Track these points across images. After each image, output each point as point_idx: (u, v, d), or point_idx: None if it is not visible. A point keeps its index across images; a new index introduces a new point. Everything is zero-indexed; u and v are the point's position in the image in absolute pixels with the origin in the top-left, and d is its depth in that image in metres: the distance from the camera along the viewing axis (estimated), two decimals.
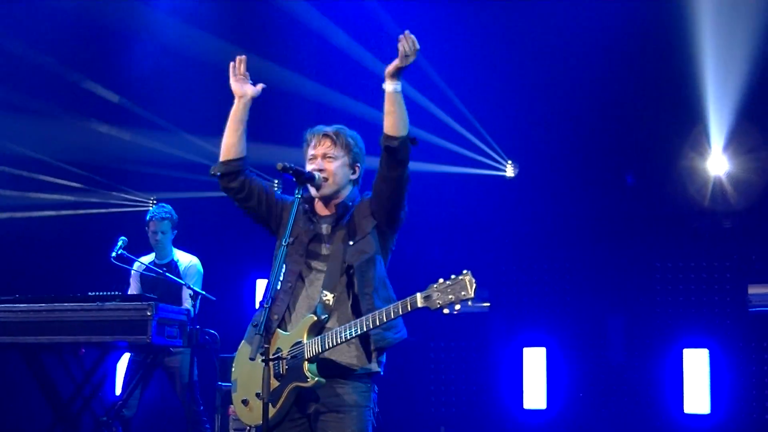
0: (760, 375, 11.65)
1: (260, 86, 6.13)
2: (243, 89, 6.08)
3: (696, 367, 11.75)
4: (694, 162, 12.01)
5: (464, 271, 5.44)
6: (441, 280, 5.45)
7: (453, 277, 5.43)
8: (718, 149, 11.85)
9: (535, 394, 12.40)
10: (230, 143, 6.07)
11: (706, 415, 11.69)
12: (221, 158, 6.10)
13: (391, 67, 5.78)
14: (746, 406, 11.63)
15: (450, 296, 5.39)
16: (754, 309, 11.67)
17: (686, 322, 11.95)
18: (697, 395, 11.73)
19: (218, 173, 6.09)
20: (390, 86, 5.80)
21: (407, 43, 5.78)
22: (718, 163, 11.89)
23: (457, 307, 5.41)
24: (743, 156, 11.86)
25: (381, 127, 6.06)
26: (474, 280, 5.40)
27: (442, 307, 5.41)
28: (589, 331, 12.32)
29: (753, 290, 11.69)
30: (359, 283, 5.89)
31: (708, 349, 11.76)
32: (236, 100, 6.10)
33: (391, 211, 5.95)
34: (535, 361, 12.42)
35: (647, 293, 12.23)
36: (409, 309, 5.50)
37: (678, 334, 11.89)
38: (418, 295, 5.46)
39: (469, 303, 5.44)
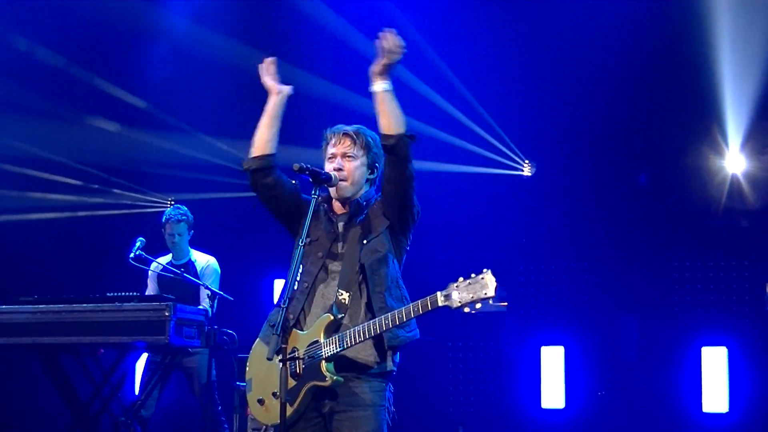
0: None
1: (290, 88, 6.12)
2: (278, 86, 6.08)
3: (714, 365, 11.74)
4: (711, 161, 12.04)
5: (484, 270, 5.44)
6: (461, 279, 5.45)
7: (473, 276, 5.44)
8: (736, 148, 11.86)
9: (553, 394, 12.43)
10: (265, 139, 6.05)
11: (724, 413, 11.67)
12: (254, 154, 6.07)
13: (377, 67, 5.80)
14: (765, 404, 11.59)
15: (470, 295, 5.40)
16: None
17: (704, 320, 11.95)
18: (715, 394, 11.72)
19: (252, 168, 6.06)
20: (379, 86, 5.82)
21: (390, 40, 5.77)
22: (735, 161, 11.91)
23: (478, 306, 5.42)
24: (764, 152, 11.84)
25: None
26: (494, 279, 5.41)
27: (462, 306, 5.43)
28: (607, 329, 12.36)
29: None
30: (371, 282, 5.88)
31: (726, 347, 11.75)
32: (272, 96, 6.10)
33: (401, 210, 5.95)
34: (553, 360, 12.46)
35: (665, 292, 12.22)
36: (430, 308, 5.51)
37: (696, 333, 11.90)
38: (439, 294, 5.47)
39: (490, 302, 5.45)
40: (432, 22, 12.57)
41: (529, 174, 12.69)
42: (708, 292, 12.07)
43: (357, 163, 6.02)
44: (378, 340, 5.80)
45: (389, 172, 5.86)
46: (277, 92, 6.08)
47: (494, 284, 5.42)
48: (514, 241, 12.75)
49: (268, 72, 6.13)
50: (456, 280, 5.48)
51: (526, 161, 12.66)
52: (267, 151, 6.04)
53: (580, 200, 12.54)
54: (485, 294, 5.40)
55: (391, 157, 5.80)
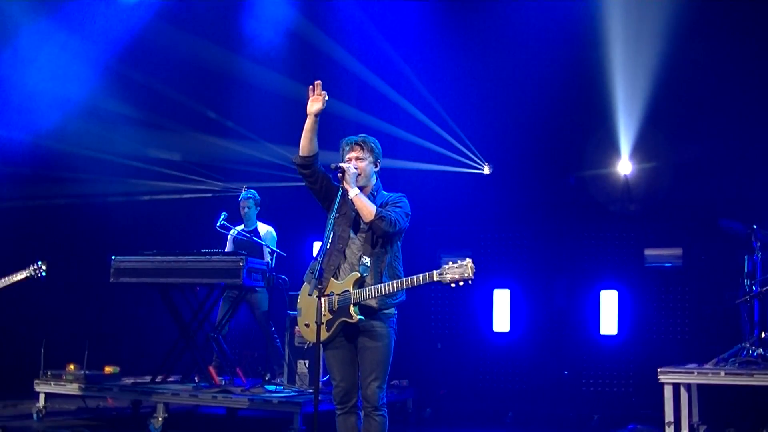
0: (651, 309, 11.70)
1: (322, 102, 6.14)
2: (312, 108, 6.14)
3: (609, 302, 11.88)
4: (609, 165, 12.08)
5: (467, 259, 5.75)
6: (450, 263, 5.76)
7: (459, 261, 5.74)
8: (626, 156, 11.85)
9: (501, 321, 12.45)
10: (304, 146, 6.23)
11: (614, 335, 11.81)
12: (300, 153, 6.25)
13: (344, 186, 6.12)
14: (641, 329, 11.68)
15: (456, 275, 5.73)
16: (648, 264, 11.77)
17: (603, 272, 12.02)
18: (608, 322, 11.84)
19: (296, 162, 6.31)
20: (350, 194, 6.14)
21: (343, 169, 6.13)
22: (625, 166, 11.91)
23: (461, 283, 5.73)
24: (644, 160, 11.89)
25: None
26: (474, 267, 5.73)
27: (450, 282, 5.76)
28: (539, 278, 12.34)
29: (648, 252, 11.78)
30: (388, 255, 6.19)
31: (617, 290, 11.90)
32: (308, 117, 6.19)
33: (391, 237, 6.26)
34: (502, 299, 12.47)
35: (578, 253, 12.16)
36: (427, 281, 5.83)
37: (597, 280, 11.99)
38: (434, 272, 5.80)
39: (470, 282, 5.74)
40: (406, 41, 12.55)
41: (488, 172, 12.48)
42: (606, 253, 12.14)
43: (366, 162, 6.31)
44: (389, 297, 6.09)
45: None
46: (310, 113, 6.16)
47: (473, 270, 5.70)
48: (477, 218, 12.66)
49: (314, 93, 6.16)
50: (447, 263, 5.76)
51: (486, 162, 12.51)
52: (305, 154, 6.24)
53: (525, 191, 12.43)
54: (466, 276, 5.71)
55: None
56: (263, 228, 11.26)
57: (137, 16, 12.51)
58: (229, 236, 11.18)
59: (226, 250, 11.04)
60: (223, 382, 10.30)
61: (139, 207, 13.43)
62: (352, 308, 6.05)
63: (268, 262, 10.54)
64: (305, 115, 6.24)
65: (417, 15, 12.58)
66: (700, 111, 11.44)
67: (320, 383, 6.21)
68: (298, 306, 6.41)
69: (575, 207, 12.38)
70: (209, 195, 13.62)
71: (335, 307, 6.12)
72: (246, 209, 11.21)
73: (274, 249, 10.85)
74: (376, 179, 6.46)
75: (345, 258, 6.24)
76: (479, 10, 12.35)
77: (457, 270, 5.75)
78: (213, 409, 10.84)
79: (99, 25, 12.40)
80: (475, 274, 5.77)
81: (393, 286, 6.00)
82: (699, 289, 11.51)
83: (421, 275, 5.91)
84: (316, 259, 6.07)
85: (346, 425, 6.25)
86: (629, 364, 11.78)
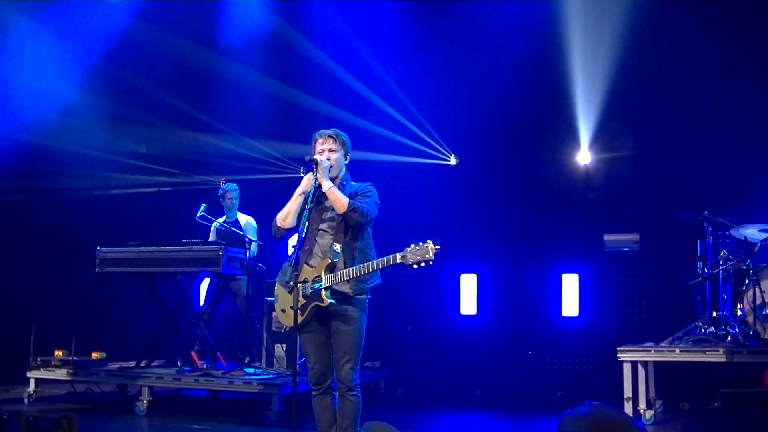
0: (611, 291, 11.89)
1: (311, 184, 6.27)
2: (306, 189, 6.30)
3: (570, 286, 12.04)
4: (570, 155, 12.21)
5: (428, 240, 5.80)
6: (412, 246, 5.80)
7: (420, 244, 5.78)
8: (586, 147, 12.00)
9: (468, 305, 12.58)
10: (290, 221, 6.36)
11: (575, 317, 11.98)
12: (285, 226, 6.40)
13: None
14: (601, 311, 11.86)
15: (418, 257, 5.78)
16: (607, 249, 11.92)
17: (565, 257, 12.18)
18: (570, 304, 12.00)
19: (278, 235, 6.43)
20: (323, 187, 6.20)
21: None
22: (585, 156, 12.07)
23: (423, 264, 5.79)
24: (602, 150, 12.06)
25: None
26: (434, 248, 5.77)
27: (412, 264, 5.80)
28: (504, 263, 12.44)
29: (607, 237, 11.93)
30: (359, 242, 6.26)
31: (578, 274, 12.04)
32: (297, 197, 6.34)
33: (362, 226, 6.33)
34: (469, 283, 12.60)
35: (542, 239, 12.38)
36: (391, 263, 5.89)
37: (559, 265, 12.15)
38: (397, 254, 5.85)
39: (431, 263, 5.79)
40: (376, 37, 12.45)
41: (455, 162, 12.58)
42: (568, 239, 12.28)
43: (338, 154, 6.36)
44: (362, 282, 6.17)
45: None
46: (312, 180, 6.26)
47: (434, 251, 5.76)
48: (445, 206, 12.79)
49: (308, 180, 6.31)
50: (409, 246, 5.80)
51: (452, 154, 12.60)
52: (290, 226, 6.40)
53: (490, 180, 12.53)
54: (427, 257, 5.76)
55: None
56: (243, 218, 11.29)
57: (120, 15, 12.42)
58: (212, 227, 11.18)
59: (208, 240, 10.99)
60: (205, 366, 10.32)
61: (123, 200, 13.41)
62: (323, 292, 6.10)
63: (246, 251, 10.57)
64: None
65: (386, 12, 12.54)
66: (656, 104, 11.60)
67: (297, 366, 6.31)
68: (275, 293, 6.46)
69: (537, 195, 12.48)
70: (189, 188, 13.57)
71: (309, 292, 6.17)
72: (234, 200, 11.26)
73: (254, 239, 10.85)
74: (345, 170, 6.52)
75: (318, 246, 6.30)
76: (446, 8, 12.49)
77: (419, 252, 5.81)
78: (195, 391, 10.90)
79: (81, 22, 12.29)
80: (436, 255, 5.79)
81: (360, 270, 6.04)
82: (655, 272, 11.71)
83: (384, 258, 5.97)
84: (295, 249, 6.10)
85: (322, 405, 6.31)
86: (590, 343, 11.94)
